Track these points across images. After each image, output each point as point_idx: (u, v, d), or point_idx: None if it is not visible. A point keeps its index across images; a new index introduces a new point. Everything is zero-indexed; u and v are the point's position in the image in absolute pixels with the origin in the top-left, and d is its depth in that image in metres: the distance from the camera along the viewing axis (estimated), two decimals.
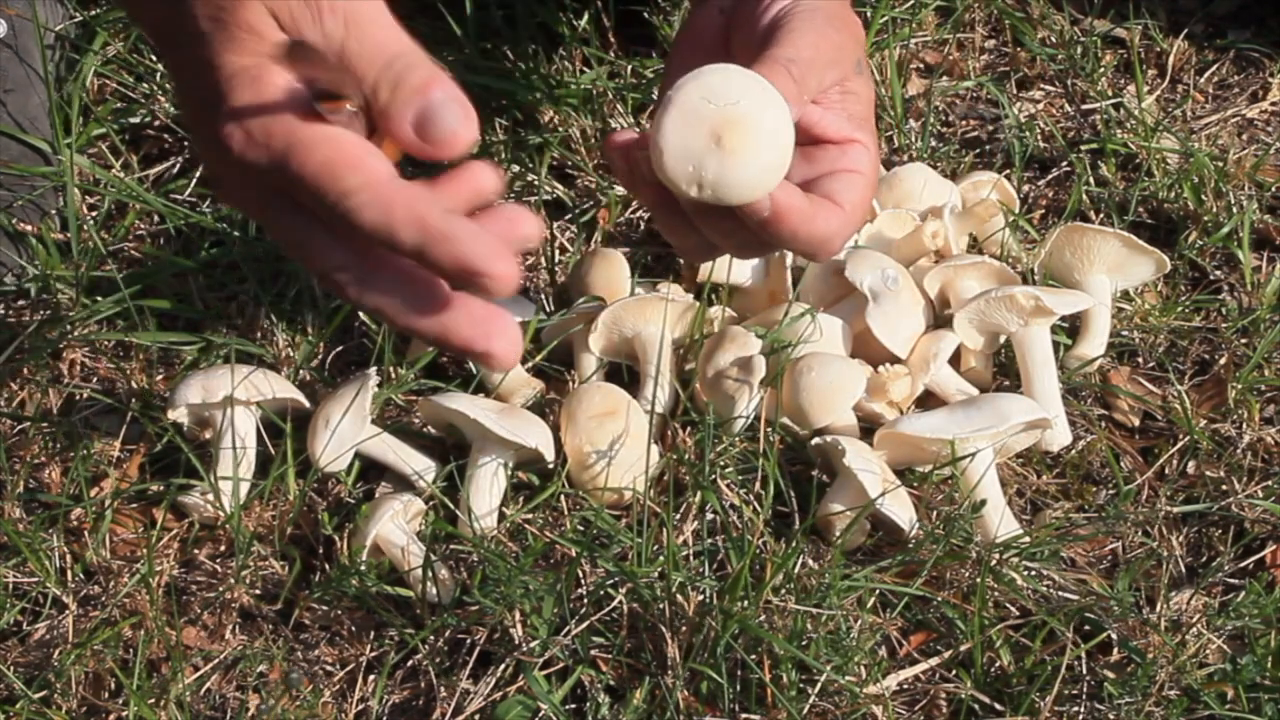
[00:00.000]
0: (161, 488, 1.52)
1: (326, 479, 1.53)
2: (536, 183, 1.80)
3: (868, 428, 1.51)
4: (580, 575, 1.40)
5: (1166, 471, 1.54)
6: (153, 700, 1.36)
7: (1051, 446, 1.53)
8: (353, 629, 1.43)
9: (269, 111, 1.00)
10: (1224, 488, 1.51)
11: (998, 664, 1.38)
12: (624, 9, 1.90)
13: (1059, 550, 1.45)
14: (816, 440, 1.47)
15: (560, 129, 1.83)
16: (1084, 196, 1.76)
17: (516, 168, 1.80)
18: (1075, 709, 1.34)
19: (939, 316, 1.60)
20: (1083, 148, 1.83)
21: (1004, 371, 1.61)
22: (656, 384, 1.54)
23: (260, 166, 1.00)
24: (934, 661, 1.38)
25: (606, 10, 1.89)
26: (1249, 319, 1.64)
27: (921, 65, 1.96)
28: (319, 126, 1.00)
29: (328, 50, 0.99)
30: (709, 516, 1.44)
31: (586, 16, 1.90)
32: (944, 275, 1.61)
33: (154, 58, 1.90)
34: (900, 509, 1.42)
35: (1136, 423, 1.59)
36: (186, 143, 1.86)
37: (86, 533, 1.50)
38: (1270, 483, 1.51)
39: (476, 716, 1.36)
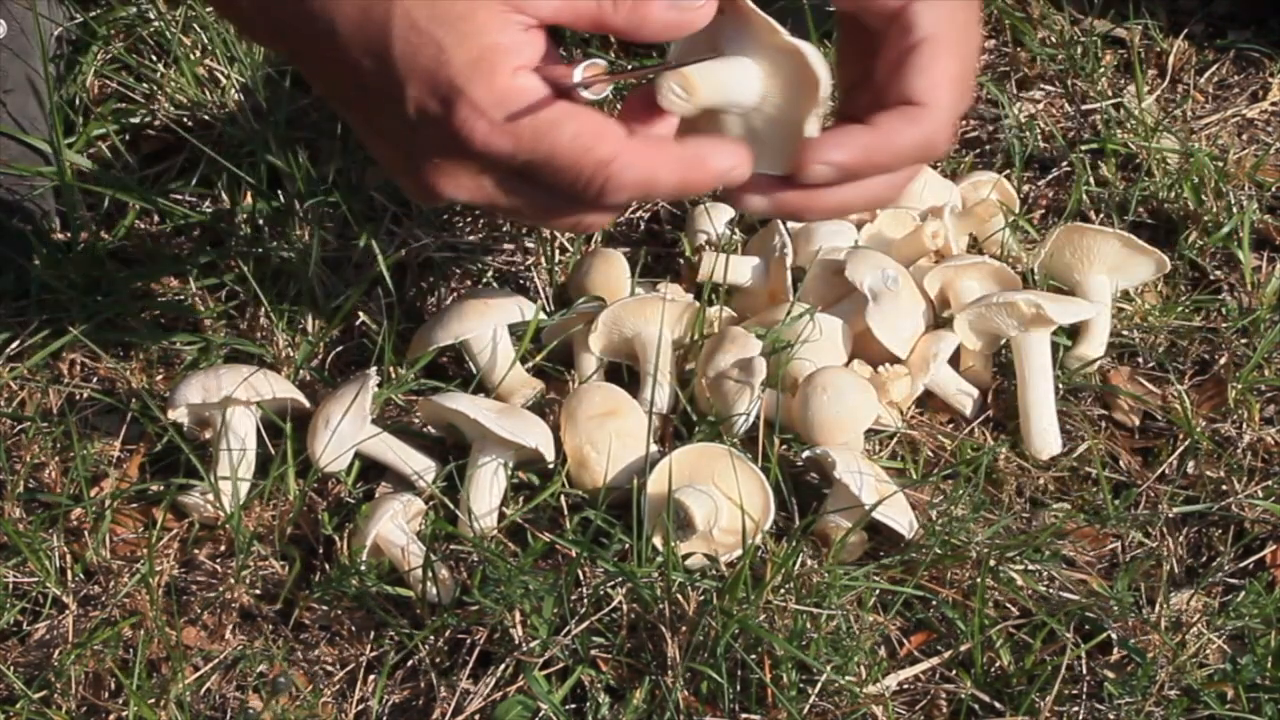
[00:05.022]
0: (161, 488, 1.52)
1: (326, 479, 1.53)
2: None
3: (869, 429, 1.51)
4: (580, 575, 1.40)
5: (1167, 472, 1.54)
6: (153, 700, 1.36)
7: (1041, 455, 1.53)
8: (353, 629, 1.43)
9: (512, 99, 1.06)
10: (1224, 488, 1.51)
11: (998, 664, 1.38)
12: None
13: (1059, 550, 1.45)
14: (807, 453, 1.46)
15: None
16: (1084, 196, 1.76)
17: None
18: (1075, 709, 1.34)
19: (939, 316, 1.60)
20: (1083, 148, 1.83)
21: (1004, 371, 1.60)
22: (656, 384, 1.54)
23: (504, 153, 1.06)
24: (934, 661, 1.38)
25: None
26: (1249, 319, 1.64)
27: None
28: (561, 104, 1.07)
29: None
30: None
31: None
32: (944, 275, 1.60)
33: (154, 57, 1.90)
34: (898, 514, 1.42)
35: (1136, 423, 1.58)
36: (188, 142, 1.85)
37: (86, 533, 1.50)
38: (1270, 483, 1.51)
39: (476, 716, 1.36)
